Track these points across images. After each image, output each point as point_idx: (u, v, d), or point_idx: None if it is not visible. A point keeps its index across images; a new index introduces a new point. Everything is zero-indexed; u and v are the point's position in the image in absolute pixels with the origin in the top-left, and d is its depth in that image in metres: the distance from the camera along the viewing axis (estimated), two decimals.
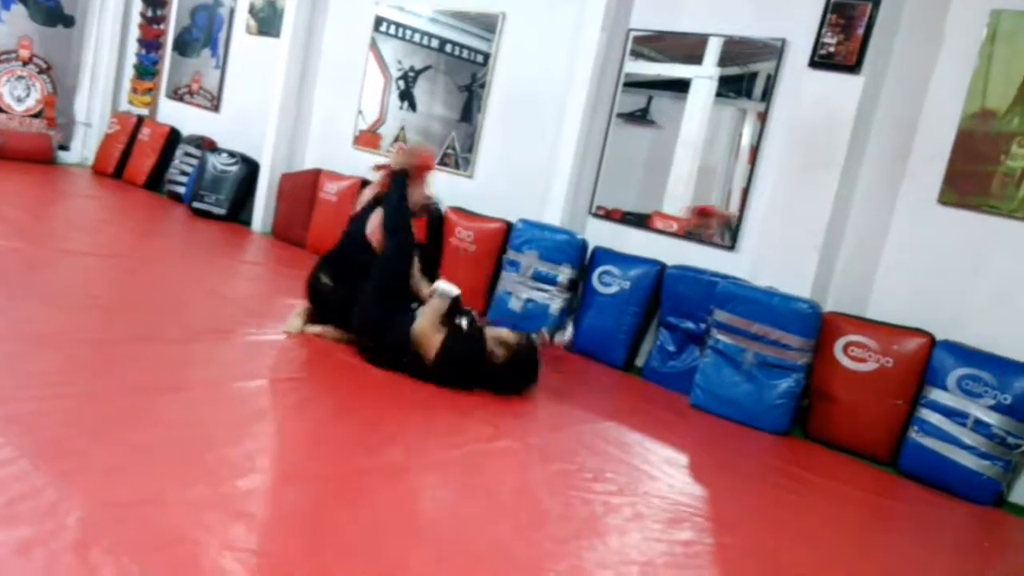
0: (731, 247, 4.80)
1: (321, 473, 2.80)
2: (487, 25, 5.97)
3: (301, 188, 6.90)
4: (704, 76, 4.93)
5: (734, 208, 4.81)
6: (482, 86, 5.98)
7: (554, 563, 2.46)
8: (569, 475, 3.15)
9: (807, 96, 4.34)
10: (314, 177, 6.83)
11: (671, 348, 4.74)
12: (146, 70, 8.96)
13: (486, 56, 5.97)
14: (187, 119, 8.42)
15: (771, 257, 4.46)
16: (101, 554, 2.01)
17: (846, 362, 4.14)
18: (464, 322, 3.92)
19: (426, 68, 6.40)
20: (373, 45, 6.73)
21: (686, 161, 5.01)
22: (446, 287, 4.00)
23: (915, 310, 4.16)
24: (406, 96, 6.52)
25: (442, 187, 6.09)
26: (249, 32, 7.85)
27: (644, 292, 4.85)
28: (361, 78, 6.82)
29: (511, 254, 5.27)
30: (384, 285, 4.00)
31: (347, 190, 6.55)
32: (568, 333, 4.37)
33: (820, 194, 4.26)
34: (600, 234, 5.25)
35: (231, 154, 7.50)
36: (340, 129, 7.00)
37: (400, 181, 4.23)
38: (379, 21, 6.70)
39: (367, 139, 6.81)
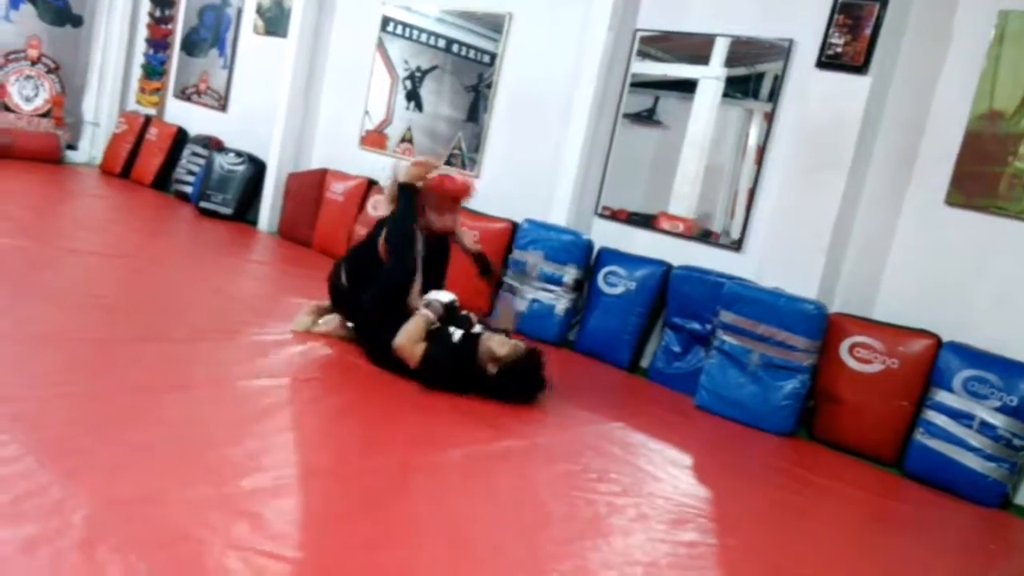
0: (737, 248, 4.79)
1: (325, 473, 2.81)
2: (494, 25, 5.97)
3: (308, 188, 6.91)
4: (711, 76, 4.93)
5: (740, 209, 4.80)
6: (488, 86, 5.98)
7: (558, 564, 2.46)
8: (573, 476, 3.15)
9: (814, 97, 4.33)
10: (320, 177, 6.85)
11: (676, 349, 4.74)
12: (154, 70, 8.98)
13: (493, 56, 5.97)
14: (194, 119, 8.44)
15: (777, 258, 4.45)
16: (107, 552, 2.01)
17: (852, 363, 4.13)
18: (457, 334, 3.83)
19: (433, 68, 6.40)
20: (380, 45, 6.74)
21: (692, 161, 5.01)
22: (435, 296, 3.93)
23: (921, 311, 4.15)
24: (413, 96, 6.52)
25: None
26: (256, 32, 7.87)
27: (650, 293, 4.85)
28: (368, 78, 6.83)
29: (517, 254, 5.27)
30: (381, 298, 3.95)
31: (353, 190, 6.56)
32: (514, 303, 4.23)
33: (827, 195, 4.25)
34: (606, 234, 5.25)
35: (238, 154, 7.52)
36: (347, 129, 7.02)
37: (408, 196, 4.09)
38: (386, 21, 6.70)
39: (374, 139, 6.82)
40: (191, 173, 7.88)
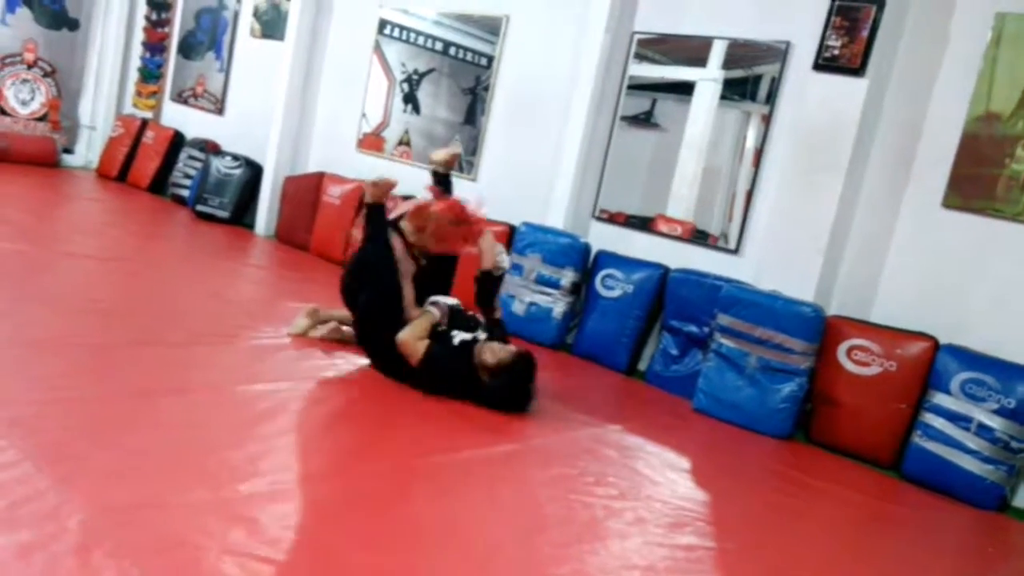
0: (735, 251, 4.79)
1: (321, 477, 2.80)
2: (491, 28, 5.97)
3: (304, 191, 6.90)
4: (708, 79, 4.93)
5: (738, 211, 4.80)
6: (486, 89, 5.98)
7: (555, 567, 2.46)
8: (571, 479, 3.14)
9: (811, 99, 4.33)
10: (318, 180, 6.84)
11: (674, 352, 4.73)
12: (150, 73, 8.98)
13: (490, 59, 5.97)
14: (191, 122, 8.43)
15: (775, 261, 4.45)
16: (102, 558, 2.01)
17: (849, 366, 4.13)
18: (457, 338, 3.81)
19: (430, 71, 6.40)
20: (377, 48, 6.74)
21: (690, 164, 5.01)
22: (440, 299, 3.93)
23: (919, 314, 4.14)
24: (410, 99, 6.52)
25: None
26: (253, 35, 7.86)
27: (647, 296, 4.85)
28: (365, 81, 6.83)
29: (514, 257, 5.26)
30: (368, 325, 3.93)
31: (350, 193, 6.55)
32: (502, 257, 4.05)
33: (824, 197, 4.25)
34: (603, 237, 5.25)
35: (235, 157, 7.51)
36: (344, 132, 7.01)
37: (374, 216, 4.02)
38: (383, 24, 6.70)
39: (371, 142, 6.81)
40: (188, 176, 7.88)
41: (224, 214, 7.37)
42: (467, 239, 4.04)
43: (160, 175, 8.29)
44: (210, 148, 7.86)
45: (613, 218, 5.31)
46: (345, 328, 4.24)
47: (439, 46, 6.35)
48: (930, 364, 3.94)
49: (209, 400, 3.27)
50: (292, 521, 2.44)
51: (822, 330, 4.16)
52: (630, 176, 5.30)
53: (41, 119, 8.80)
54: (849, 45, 4.19)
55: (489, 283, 4.02)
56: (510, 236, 5.40)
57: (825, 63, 4.27)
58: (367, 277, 3.93)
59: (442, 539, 2.51)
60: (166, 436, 2.84)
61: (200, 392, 3.34)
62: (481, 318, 4.03)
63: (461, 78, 6.19)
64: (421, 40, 6.47)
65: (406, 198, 6.03)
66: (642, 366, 4.96)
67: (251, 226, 7.36)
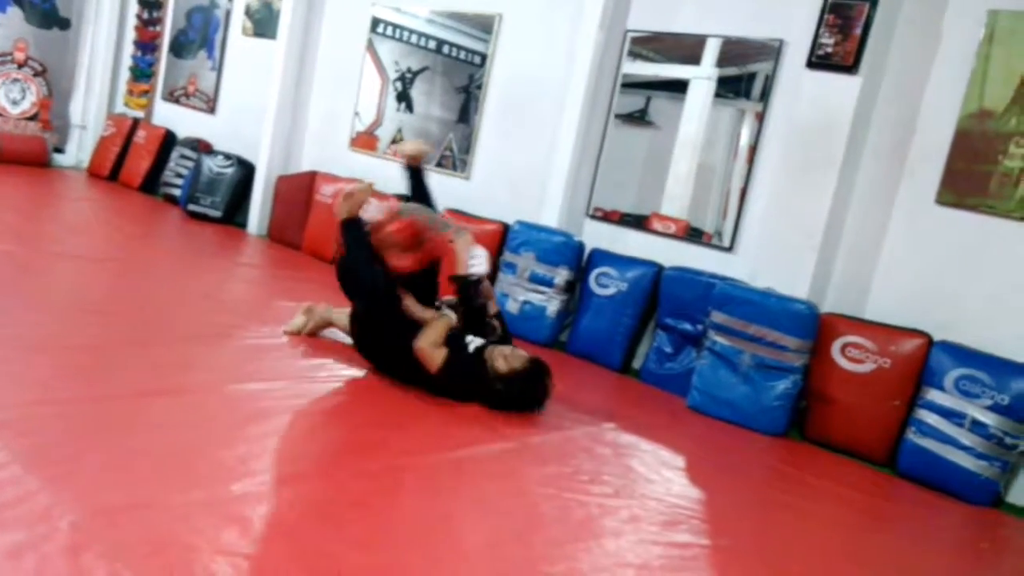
0: (729, 248, 4.79)
1: (316, 476, 2.79)
2: (484, 26, 5.96)
3: (297, 190, 6.88)
4: (702, 77, 4.93)
5: (732, 209, 4.79)
6: (479, 87, 5.97)
7: (550, 566, 2.45)
8: (565, 477, 3.13)
9: (805, 96, 4.33)
10: (310, 179, 6.82)
11: (668, 350, 4.73)
12: (142, 72, 8.94)
13: (483, 57, 5.96)
14: (183, 121, 8.40)
15: (769, 258, 4.45)
16: (93, 559, 1.99)
17: (844, 363, 4.13)
18: (473, 345, 3.77)
19: (423, 69, 6.39)
20: (370, 46, 6.72)
21: (684, 162, 5.00)
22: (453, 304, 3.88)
23: (913, 311, 4.15)
24: (403, 97, 6.51)
25: (440, 189, 6.09)
26: (245, 34, 7.84)
27: (641, 294, 4.84)
28: (358, 79, 6.81)
29: (508, 256, 5.25)
30: (375, 331, 3.87)
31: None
32: (477, 263, 3.89)
33: (818, 194, 4.25)
34: (598, 236, 5.24)
35: (227, 156, 7.49)
36: (337, 131, 6.99)
37: (347, 231, 3.90)
38: (376, 22, 6.69)
39: (364, 141, 6.79)
40: (179, 176, 7.85)
41: (216, 213, 7.35)
42: (433, 252, 3.92)
43: (152, 174, 8.25)
44: (202, 147, 7.84)
45: (607, 216, 5.31)
46: (336, 314, 4.21)
47: (432, 44, 6.33)
48: (924, 361, 3.94)
49: (201, 400, 3.25)
50: (285, 521, 2.42)
51: (816, 327, 4.16)
52: (624, 174, 5.29)
53: (32, 118, 8.75)
54: (842, 43, 4.19)
55: (464, 288, 3.91)
56: (503, 234, 5.39)
57: (818, 61, 4.27)
58: (361, 292, 3.86)
59: (436, 538, 2.50)
60: (158, 436, 2.82)
61: (193, 392, 3.32)
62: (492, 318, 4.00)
63: (454, 76, 6.18)
64: (414, 38, 6.46)
65: (400, 197, 6.04)
66: (636, 364, 4.96)
67: (243, 225, 7.33)
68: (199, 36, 8.32)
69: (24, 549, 1.98)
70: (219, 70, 8.11)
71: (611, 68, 5.23)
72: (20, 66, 8.66)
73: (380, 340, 3.84)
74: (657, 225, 5.08)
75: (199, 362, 3.72)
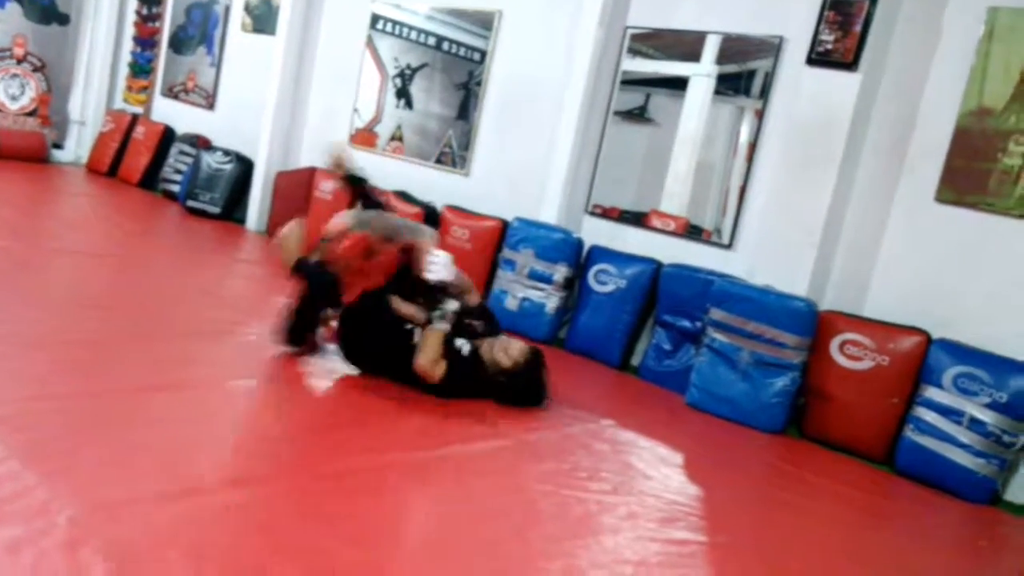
0: (728, 245, 4.78)
1: (313, 472, 2.78)
2: (484, 23, 5.95)
3: (296, 187, 6.87)
4: (702, 74, 4.92)
5: (731, 206, 4.79)
6: (479, 84, 5.96)
7: (548, 562, 2.45)
8: (563, 474, 3.13)
9: (805, 93, 4.33)
10: (309, 176, 6.81)
11: (667, 347, 4.73)
12: (141, 68, 8.93)
13: (483, 54, 5.95)
14: (182, 117, 8.39)
15: (768, 255, 4.44)
16: (91, 554, 1.99)
17: (842, 360, 4.13)
18: (465, 348, 3.75)
19: (423, 66, 6.38)
20: (369, 43, 6.71)
21: (684, 159, 5.00)
22: (447, 307, 3.75)
23: (911, 308, 4.15)
24: (403, 94, 6.50)
25: (439, 185, 6.10)
26: (244, 30, 7.82)
27: (640, 291, 4.84)
28: (357, 76, 6.80)
29: (507, 253, 5.25)
30: (361, 330, 3.82)
31: (343, 189, 6.52)
32: (435, 269, 3.79)
33: (817, 192, 4.24)
34: (597, 232, 5.24)
35: (226, 152, 7.48)
36: (336, 127, 6.98)
37: (306, 270, 3.78)
38: (375, 19, 6.68)
39: (363, 137, 6.79)
40: (178, 172, 7.84)
41: (215, 209, 7.34)
42: (390, 265, 3.83)
43: (151, 170, 8.24)
44: (201, 143, 7.83)
45: (606, 213, 5.30)
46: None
47: (432, 41, 6.32)
48: (922, 358, 3.94)
49: (199, 396, 3.25)
50: (282, 518, 2.42)
51: (815, 324, 4.16)
52: (623, 171, 5.29)
53: (31, 114, 8.74)
54: (842, 40, 4.18)
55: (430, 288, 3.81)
56: (503, 231, 5.38)
57: (818, 58, 4.27)
58: (361, 320, 3.80)
59: (433, 534, 2.50)
60: (156, 432, 2.83)
61: (190, 388, 3.32)
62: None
63: (454, 73, 6.17)
64: (414, 35, 6.45)
65: (399, 194, 6.05)
66: (635, 361, 4.96)
67: (242, 221, 7.33)
68: (198, 32, 8.31)
69: (22, 544, 1.98)
70: (218, 66, 8.10)
71: (611, 65, 5.22)
72: (19, 62, 8.65)
73: (375, 344, 3.78)
74: (656, 222, 5.08)
75: (198, 358, 3.72)
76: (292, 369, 3.74)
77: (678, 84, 5.04)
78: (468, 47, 6.09)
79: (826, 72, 4.24)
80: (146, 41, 8.87)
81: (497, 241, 5.39)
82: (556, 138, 5.31)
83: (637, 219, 5.17)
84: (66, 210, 7.16)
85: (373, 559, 2.27)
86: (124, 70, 9.10)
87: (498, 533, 2.59)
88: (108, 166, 8.56)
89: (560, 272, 5.04)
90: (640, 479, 3.25)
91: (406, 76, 6.47)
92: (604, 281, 4.95)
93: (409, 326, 3.74)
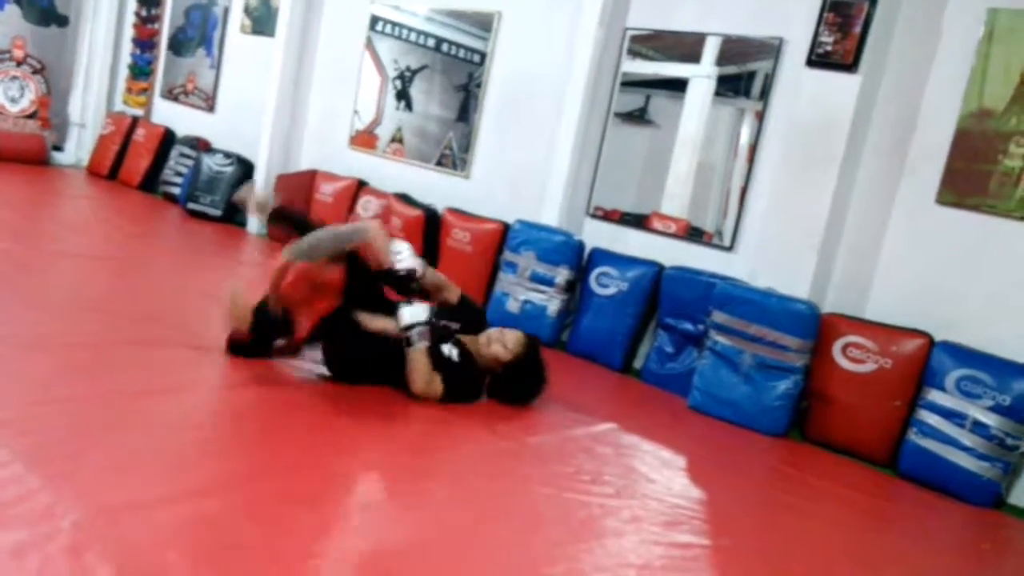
0: (729, 248, 4.78)
1: (315, 476, 2.78)
2: (483, 24, 5.95)
3: (297, 189, 6.86)
4: (702, 75, 4.92)
5: (732, 208, 4.79)
6: (479, 86, 5.96)
7: (551, 566, 2.45)
8: (566, 477, 3.13)
9: (805, 95, 4.33)
10: (310, 178, 6.81)
11: (669, 350, 4.73)
12: (141, 70, 8.93)
13: (482, 55, 5.95)
14: (182, 119, 8.39)
15: (769, 257, 4.44)
16: (95, 558, 1.98)
17: (844, 363, 4.13)
18: (453, 353, 3.67)
19: (422, 67, 6.38)
20: (369, 44, 6.71)
21: (684, 160, 5.00)
22: (413, 316, 3.54)
23: (914, 311, 4.15)
24: (403, 96, 6.50)
25: (439, 188, 6.10)
26: (244, 31, 7.82)
27: (642, 293, 4.84)
28: (357, 78, 6.80)
29: (508, 255, 5.25)
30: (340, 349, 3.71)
31: (343, 191, 6.53)
32: (403, 258, 3.62)
33: (818, 194, 4.24)
34: (598, 235, 5.24)
35: (226, 155, 7.48)
36: (336, 129, 6.98)
37: (261, 321, 3.63)
38: (375, 20, 6.68)
39: (363, 139, 6.79)
40: (179, 174, 7.83)
41: (216, 212, 7.34)
42: (335, 285, 3.59)
43: (151, 173, 8.23)
44: (201, 146, 7.83)
45: (607, 215, 5.30)
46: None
47: (431, 42, 6.32)
48: (925, 361, 3.94)
49: (201, 400, 3.25)
50: (283, 517, 2.41)
51: (817, 327, 4.16)
52: (624, 173, 5.29)
53: (30, 116, 8.74)
54: (842, 41, 4.19)
55: (395, 281, 3.67)
56: (504, 234, 5.38)
57: (818, 59, 4.27)
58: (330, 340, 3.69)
59: (435, 537, 2.50)
60: (159, 436, 2.82)
61: (194, 391, 3.32)
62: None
63: (454, 75, 6.17)
64: (413, 36, 6.45)
65: (399, 196, 6.05)
66: (637, 364, 4.96)
67: (243, 224, 7.32)
68: (198, 34, 8.30)
69: (26, 548, 1.98)
70: (218, 68, 8.10)
71: (611, 66, 5.22)
72: (19, 64, 8.64)
73: (361, 360, 3.66)
74: (657, 224, 5.08)
75: (199, 362, 3.71)
76: (294, 374, 3.74)
77: (678, 85, 5.04)
78: (468, 49, 6.09)
79: (826, 74, 4.24)
80: (145, 43, 8.87)
81: (498, 244, 5.39)
82: (556, 140, 5.31)
83: (638, 221, 5.17)
84: (67, 212, 7.16)
85: (375, 562, 2.27)
86: (124, 72, 9.10)
87: (500, 536, 2.59)
88: (108, 168, 8.55)
89: (562, 275, 5.04)
90: (643, 482, 3.24)
91: (406, 78, 6.47)
92: (606, 284, 4.95)
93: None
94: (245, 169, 7.37)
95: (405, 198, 6.04)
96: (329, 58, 7.08)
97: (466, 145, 6.05)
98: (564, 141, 5.25)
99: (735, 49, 4.82)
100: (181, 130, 8.28)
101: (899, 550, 3.14)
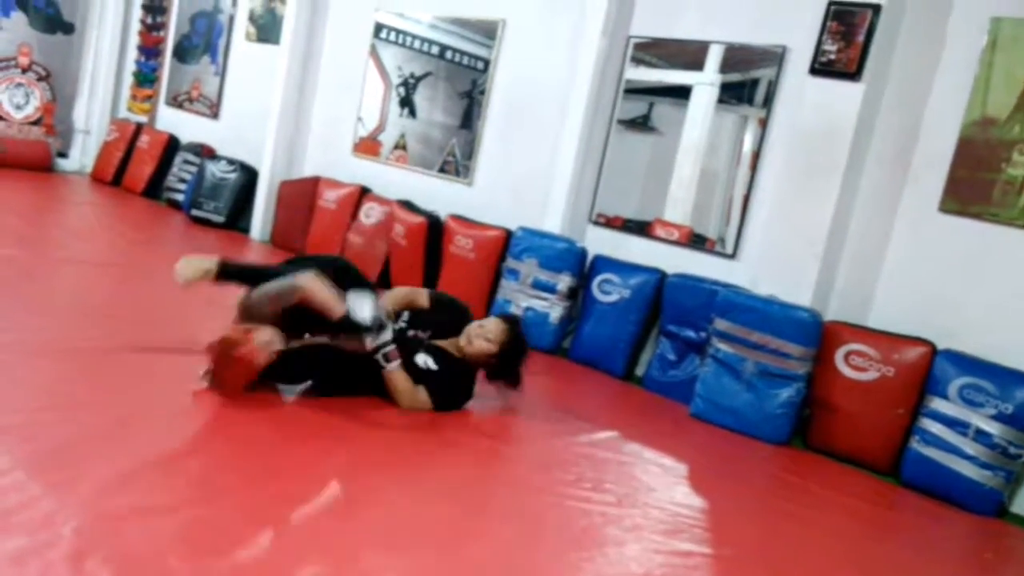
0: (732, 255, 4.78)
1: (319, 482, 2.78)
2: (487, 32, 5.97)
3: (300, 196, 6.89)
4: (705, 83, 4.93)
5: (735, 215, 4.79)
6: (482, 93, 5.97)
7: (551, 574, 2.44)
8: (567, 485, 3.12)
9: (808, 103, 4.33)
10: (313, 185, 6.83)
11: (671, 357, 4.72)
12: (145, 77, 8.96)
13: (486, 63, 5.96)
14: (186, 126, 8.41)
15: (772, 265, 4.44)
16: (96, 565, 1.98)
17: (847, 371, 4.12)
18: (429, 361, 3.59)
19: (426, 75, 6.39)
20: (373, 52, 6.73)
21: (687, 168, 5.00)
22: (383, 348, 3.42)
23: (916, 318, 4.14)
24: (406, 103, 6.51)
25: (442, 194, 6.10)
26: (249, 39, 7.85)
27: (644, 301, 4.83)
28: (361, 85, 6.82)
29: (511, 262, 5.25)
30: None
31: (346, 198, 6.54)
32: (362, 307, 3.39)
33: (821, 201, 4.24)
34: (600, 242, 5.24)
35: (230, 161, 7.50)
36: (340, 136, 7.00)
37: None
38: (379, 28, 6.69)
39: (367, 146, 6.80)
40: (183, 181, 7.86)
41: (219, 218, 7.35)
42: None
43: (155, 179, 8.26)
44: (205, 152, 7.85)
45: (610, 222, 5.30)
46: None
47: (435, 50, 6.34)
48: (928, 369, 3.93)
49: (205, 406, 3.24)
50: (292, 525, 2.41)
51: (820, 335, 4.15)
52: (627, 180, 5.29)
53: (35, 123, 8.77)
54: (845, 50, 4.19)
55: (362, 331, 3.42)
56: (506, 240, 5.38)
57: (821, 67, 4.27)
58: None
59: (435, 545, 2.49)
60: (160, 443, 2.82)
61: (195, 399, 3.30)
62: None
63: (457, 82, 6.19)
64: (417, 44, 6.46)
65: (402, 203, 6.05)
66: (639, 371, 4.95)
67: (246, 230, 7.33)
68: (203, 41, 8.33)
69: (27, 555, 1.98)
70: (222, 75, 8.12)
71: (614, 74, 5.23)
72: (24, 71, 8.67)
73: (346, 381, 3.57)
74: (660, 231, 5.08)
75: (203, 368, 3.70)
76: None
77: (681, 93, 5.04)
78: (471, 56, 6.10)
79: (829, 82, 4.24)
80: (150, 50, 8.90)
81: (501, 251, 5.39)
82: (559, 147, 5.32)
83: (641, 228, 5.17)
84: (71, 219, 7.18)
85: (374, 568, 2.27)
86: (128, 79, 9.13)
87: (501, 545, 2.58)
88: (112, 175, 8.57)
89: (564, 282, 5.04)
90: (644, 490, 3.24)
91: (410, 85, 6.49)
92: (608, 291, 4.95)
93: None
94: (249, 176, 7.38)
95: (408, 205, 6.04)
96: (333, 65, 7.10)
97: (469, 152, 6.06)
98: (567, 148, 5.26)
99: (738, 57, 4.83)
100: (185, 137, 8.31)
101: (901, 559, 3.13)
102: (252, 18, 7.79)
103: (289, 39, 7.08)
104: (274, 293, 3.39)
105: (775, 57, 4.64)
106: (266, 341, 3.21)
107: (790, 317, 4.15)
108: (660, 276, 4.82)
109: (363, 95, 6.82)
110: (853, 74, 4.16)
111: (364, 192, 6.54)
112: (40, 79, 8.77)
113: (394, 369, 3.48)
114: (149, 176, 8.28)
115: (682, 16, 5.01)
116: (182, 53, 8.58)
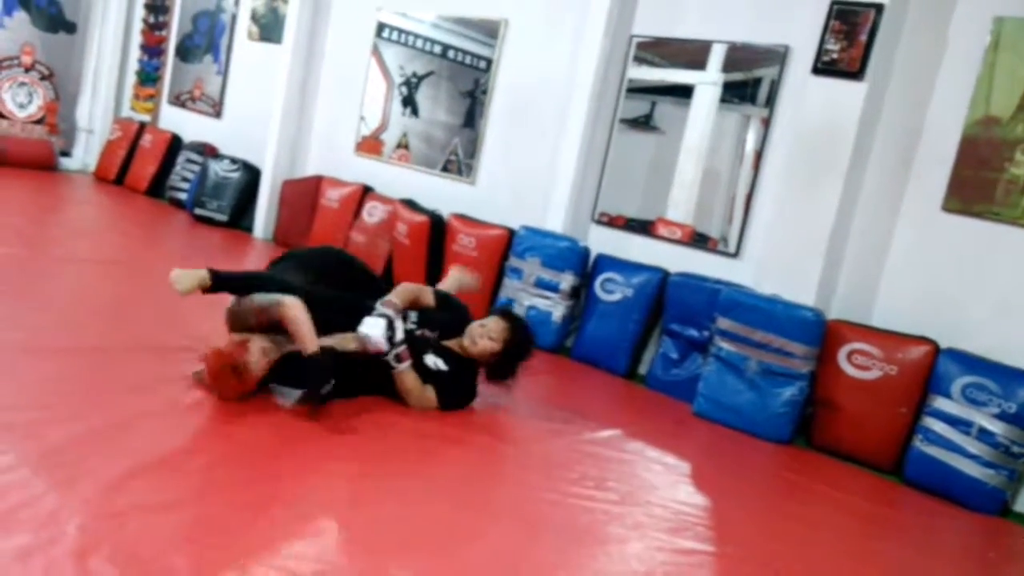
0: (734, 254, 4.78)
1: (319, 482, 2.79)
2: (489, 31, 5.97)
3: (303, 195, 6.89)
4: (707, 82, 4.92)
5: (738, 215, 4.79)
6: (484, 92, 5.97)
7: (554, 572, 2.45)
8: (570, 483, 3.13)
9: (811, 102, 4.33)
10: (316, 184, 6.83)
11: (674, 356, 4.72)
12: (148, 76, 8.97)
13: (488, 62, 5.97)
14: (189, 125, 8.42)
15: (775, 264, 4.44)
16: (100, 562, 2.00)
17: (850, 370, 4.12)
18: (439, 363, 3.62)
19: (429, 74, 6.39)
20: (375, 51, 6.73)
21: (690, 167, 5.00)
22: (369, 331, 3.41)
23: (919, 318, 4.14)
24: (409, 102, 6.51)
25: (445, 193, 6.11)
26: (251, 38, 7.85)
27: (647, 299, 4.84)
28: (363, 84, 6.82)
29: (513, 261, 5.25)
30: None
31: (348, 197, 6.55)
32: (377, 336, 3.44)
33: (824, 201, 4.24)
34: (603, 241, 5.24)
35: (233, 160, 7.51)
36: (342, 135, 7.00)
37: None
38: (381, 27, 6.70)
39: (369, 145, 6.80)
40: (186, 180, 7.86)
41: (222, 217, 7.36)
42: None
43: (158, 178, 8.27)
44: (208, 151, 7.85)
45: (612, 221, 5.30)
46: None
47: (438, 49, 6.34)
48: (931, 368, 3.93)
49: (208, 405, 3.25)
50: (291, 525, 2.42)
51: (822, 334, 4.15)
52: (629, 179, 5.29)
53: (38, 122, 8.78)
54: (848, 49, 4.19)
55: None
56: (509, 239, 5.38)
57: (824, 67, 4.27)
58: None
59: (438, 543, 2.50)
60: (164, 441, 2.83)
61: (198, 397, 3.31)
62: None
63: (460, 81, 6.19)
64: (420, 43, 6.47)
65: (405, 202, 6.06)
66: (642, 370, 4.95)
67: (249, 229, 7.34)
68: (205, 40, 8.34)
69: (32, 552, 1.99)
70: (225, 74, 8.13)
71: (616, 73, 5.23)
72: (27, 70, 8.69)
73: (356, 382, 3.57)
74: (663, 230, 5.08)
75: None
76: None
77: (684, 92, 5.04)
78: (474, 55, 6.10)
79: (832, 81, 4.24)
80: (153, 49, 8.91)
81: (503, 249, 5.39)
82: (562, 146, 5.32)
83: (643, 227, 5.17)
84: (74, 218, 7.19)
85: (377, 566, 2.27)
86: (131, 78, 9.14)
87: (504, 542, 2.59)
88: (115, 174, 8.58)
89: (567, 281, 5.04)
90: (647, 488, 3.24)
91: (412, 84, 6.49)
92: (611, 290, 4.95)
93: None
94: (251, 175, 7.39)
95: (411, 204, 6.04)
96: (336, 64, 7.10)
97: (472, 151, 6.06)
98: (569, 147, 5.26)
99: (741, 56, 4.82)
100: (188, 136, 8.31)
101: (904, 558, 3.13)
102: (254, 17, 7.79)
103: (291, 38, 7.09)
104: (260, 306, 3.43)
105: (778, 56, 4.64)
106: (256, 360, 3.25)
107: (793, 316, 4.15)
108: (663, 275, 4.83)
109: (365, 94, 6.82)
110: (856, 73, 4.15)
111: (367, 191, 6.54)
112: (43, 78, 8.79)
113: (405, 369, 3.52)
114: (152, 175, 8.29)
115: (685, 15, 5.01)
116: (184, 52, 8.58)
